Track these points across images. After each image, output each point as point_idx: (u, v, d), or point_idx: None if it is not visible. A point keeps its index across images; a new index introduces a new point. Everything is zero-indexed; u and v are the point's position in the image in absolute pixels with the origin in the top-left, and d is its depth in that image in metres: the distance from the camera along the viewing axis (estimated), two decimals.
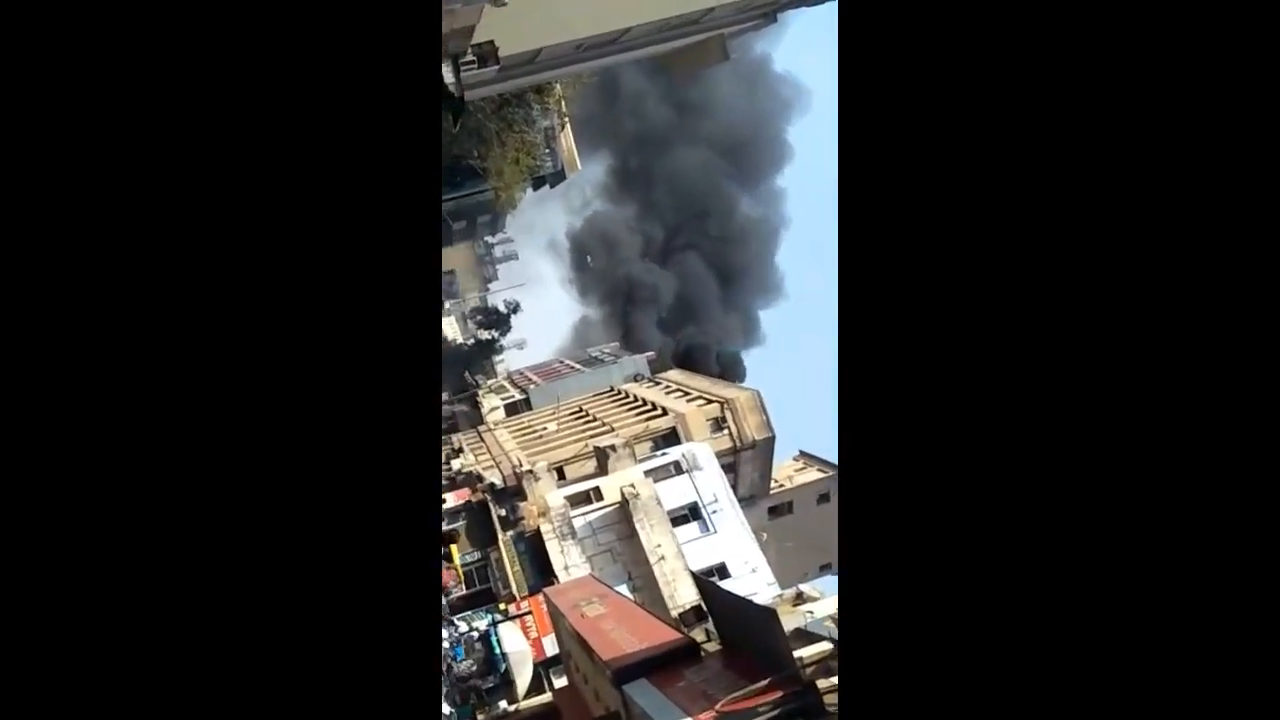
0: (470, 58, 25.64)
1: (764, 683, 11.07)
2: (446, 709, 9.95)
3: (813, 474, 44.10)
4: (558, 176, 57.59)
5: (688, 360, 55.70)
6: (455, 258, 57.81)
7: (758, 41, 46.88)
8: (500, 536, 29.65)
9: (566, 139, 54.02)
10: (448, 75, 24.03)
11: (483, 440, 40.44)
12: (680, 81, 49.35)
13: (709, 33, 34.20)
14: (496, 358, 57.55)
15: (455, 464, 34.28)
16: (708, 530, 32.46)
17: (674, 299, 64.63)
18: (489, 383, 50.81)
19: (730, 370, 61.20)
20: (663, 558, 30.05)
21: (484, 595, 27.66)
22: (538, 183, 54.84)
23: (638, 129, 65.23)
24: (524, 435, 41.51)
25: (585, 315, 67.63)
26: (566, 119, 51.72)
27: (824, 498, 42.88)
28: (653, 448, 37.41)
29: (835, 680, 11.01)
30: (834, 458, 44.43)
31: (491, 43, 25.87)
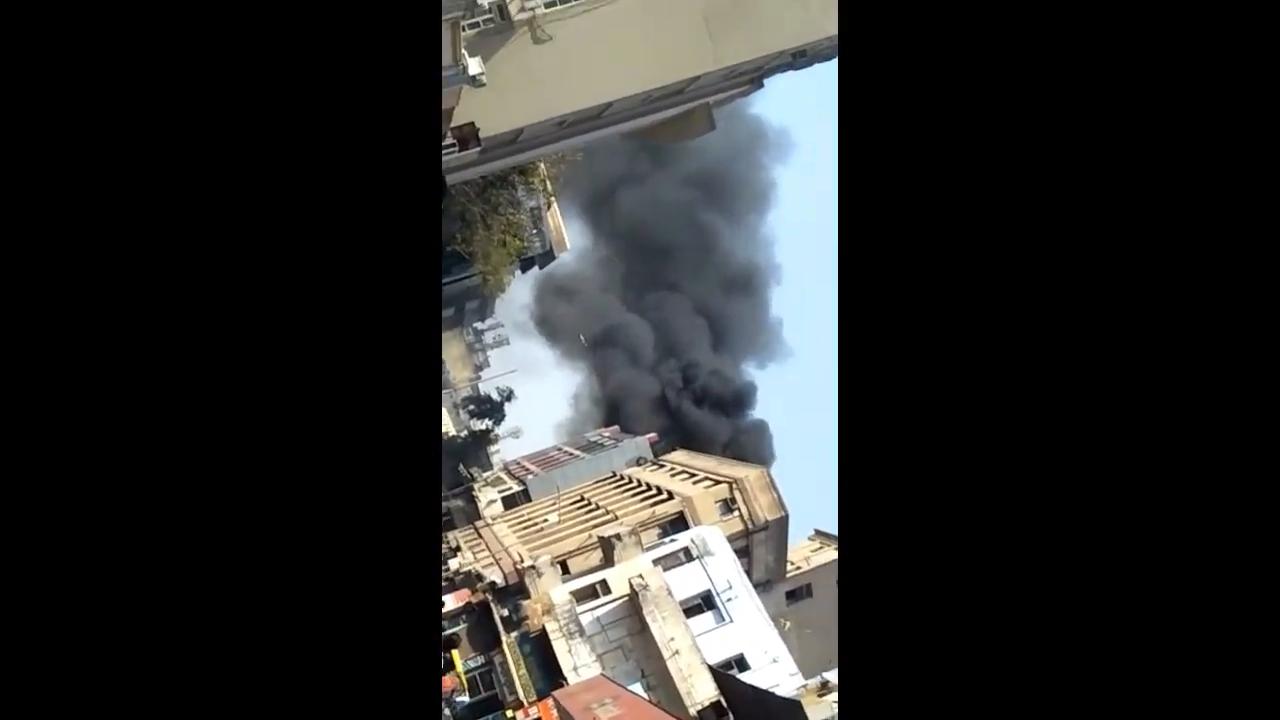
0: (450, 140, 25.95)
1: None
2: None
3: (830, 554, 43.78)
4: (546, 257, 58.10)
5: (698, 399, 55.97)
6: (446, 347, 58.06)
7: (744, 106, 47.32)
8: (504, 638, 29.42)
9: (554, 217, 54.57)
10: None
11: (481, 536, 40.21)
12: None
13: (694, 102, 34.69)
14: (492, 448, 57.52)
15: (453, 564, 34.07)
16: (723, 620, 32.00)
17: (655, 340, 64.26)
18: (485, 475, 50.68)
19: (746, 399, 61.21)
20: (677, 652, 29.68)
21: (490, 703, 27.38)
22: (526, 264, 55.29)
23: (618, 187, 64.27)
24: (524, 529, 41.29)
25: (578, 390, 67.24)
26: (553, 198, 52.30)
27: None
28: (660, 534, 37.23)
29: None
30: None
31: (472, 124, 26.22)
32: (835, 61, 36.90)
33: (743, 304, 69.55)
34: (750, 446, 60.52)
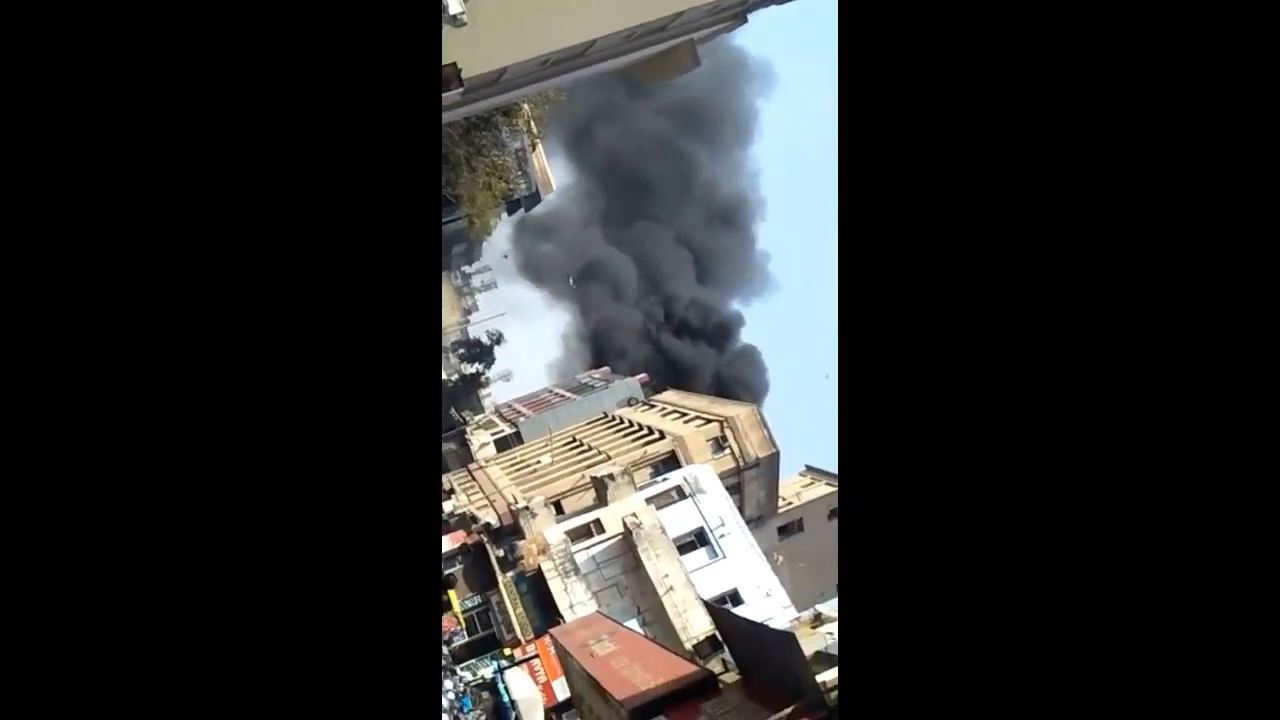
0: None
1: (787, 711, 11.04)
2: None
3: (821, 488, 44.04)
4: (532, 199, 57.58)
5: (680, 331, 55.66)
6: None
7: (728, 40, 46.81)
8: (500, 578, 29.52)
9: (539, 159, 54.11)
10: None
11: (474, 479, 40.30)
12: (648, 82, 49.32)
13: (678, 39, 34.35)
14: (483, 391, 57.47)
15: (448, 506, 34.14)
16: (716, 556, 32.38)
17: (639, 274, 63.92)
18: (476, 418, 50.70)
19: (730, 330, 60.84)
20: (672, 588, 29.92)
21: (487, 641, 27.50)
22: (512, 207, 54.85)
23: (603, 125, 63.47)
24: (517, 471, 41.36)
25: (567, 330, 66.66)
26: (538, 139, 51.82)
27: (834, 513, 42.71)
28: (652, 474, 37.35)
29: None
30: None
31: (454, 64, 25.91)
32: None
33: (728, 238, 69.13)
34: (741, 376, 60.32)
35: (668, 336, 60.88)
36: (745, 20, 35.40)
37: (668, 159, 63.69)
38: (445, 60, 25.33)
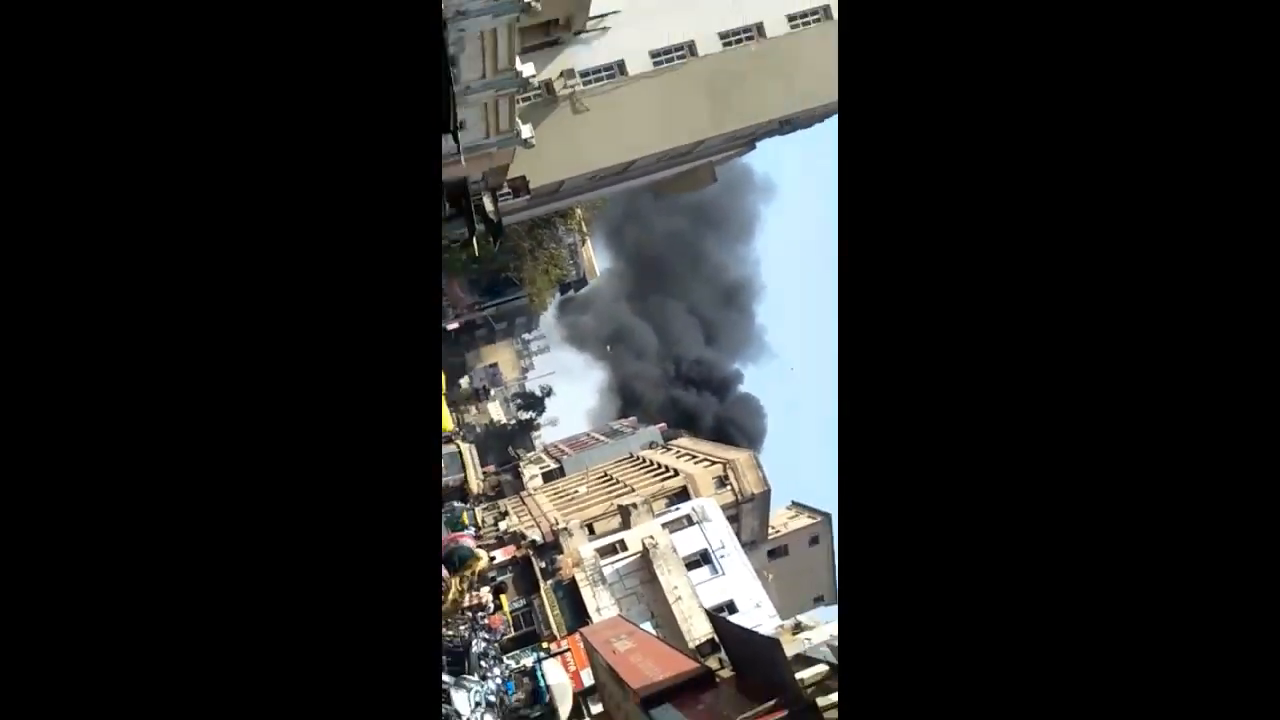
0: (506, 190, 26.11)
1: (770, 703, 10.92)
2: None
3: (804, 520, 43.73)
4: (580, 283, 58.16)
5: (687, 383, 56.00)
6: (499, 353, 58.17)
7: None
8: (542, 585, 29.46)
9: (587, 252, 54.72)
10: (488, 205, 24.47)
11: (524, 504, 40.22)
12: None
13: (699, 161, 34.72)
14: (534, 434, 57.47)
15: (503, 525, 34.10)
16: (717, 573, 32.14)
17: (659, 340, 63.46)
18: (528, 455, 50.63)
19: (729, 383, 60.83)
20: (679, 598, 29.74)
21: (530, 637, 27.38)
22: (564, 289, 55.43)
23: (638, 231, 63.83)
24: (559, 498, 41.26)
25: (603, 384, 66.92)
26: (586, 236, 52.45)
27: (814, 540, 42.58)
28: (667, 504, 37.18)
29: (832, 698, 10.86)
30: (821, 505, 44.22)
31: (523, 177, 26.35)
32: (812, 128, 37.08)
33: (731, 312, 68.79)
34: (739, 420, 60.26)
35: (678, 388, 61.04)
36: (754, 147, 35.88)
37: (683, 249, 64.18)
38: (517, 174, 25.79)
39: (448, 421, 17.16)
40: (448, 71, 17.58)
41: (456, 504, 22.67)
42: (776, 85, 30.74)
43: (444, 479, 14.26)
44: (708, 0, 29.31)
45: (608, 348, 63.17)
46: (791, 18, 30.67)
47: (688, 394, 60.73)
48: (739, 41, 30.17)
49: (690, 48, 29.70)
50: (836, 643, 12.30)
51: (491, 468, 39.98)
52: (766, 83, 30.55)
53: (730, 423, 59.03)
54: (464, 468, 15.75)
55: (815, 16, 30.92)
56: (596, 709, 18.05)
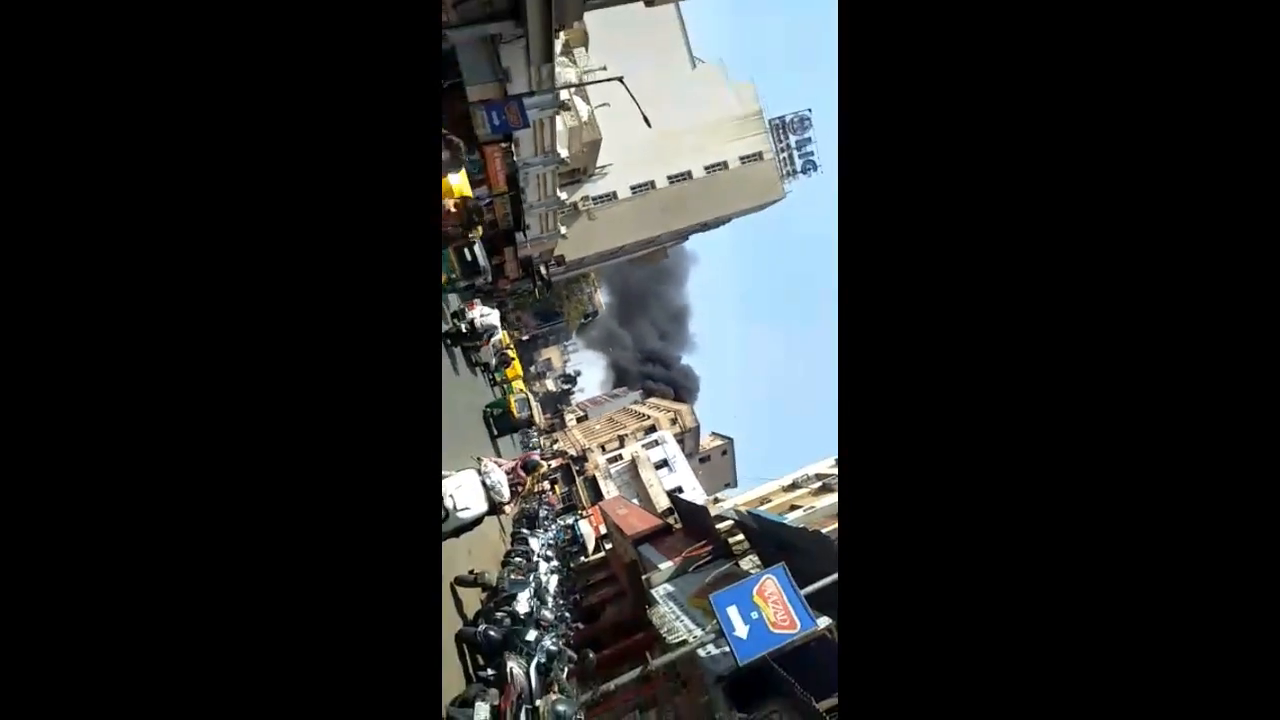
0: (552, 262, 25.78)
1: (702, 543, 10.77)
2: (555, 562, 9.52)
3: (718, 441, 43.57)
4: (594, 315, 57.71)
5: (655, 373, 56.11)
6: (551, 353, 57.56)
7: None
8: (576, 480, 29.20)
9: (598, 296, 54.21)
10: (543, 271, 24.12)
11: (568, 436, 39.99)
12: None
13: (657, 247, 34.44)
14: (571, 397, 57.06)
15: (556, 447, 33.76)
16: (672, 471, 31.98)
17: (633, 339, 62.49)
18: (567, 410, 50.20)
19: (668, 359, 60.29)
20: (651, 484, 29.67)
21: (570, 508, 27.23)
22: (586, 317, 54.94)
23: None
24: (585, 432, 41.04)
25: (605, 370, 66.70)
26: (598, 287, 52.04)
27: (724, 452, 42.44)
28: (644, 435, 37.07)
29: (738, 537, 10.74)
30: (726, 432, 44.08)
31: (561, 255, 26.00)
32: (719, 228, 37.17)
33: (677, 326, 67.61)
34: (685, 383, 60.60)
35: (645, 366, 61.24)
36: (687, 238, 35.72)
37: (648, 292, 63.76)
38: (559, 253, 25.44)
39: (521, 384, 18.27)
40: (519, 193, 17.23)
41: (530, 430, 22.23)
42: (699, 204, 30.74)
43: (521, 414, 15.12)
44: (661, 157, 29.19)
45: (610, 350, 62.84)
46: (707, 167, 30.66)
47: (653, 369, 60.75)
48: (679, 180, 30.07)
49: (652, 184, 29.63)
50: (736, 511, 12.03)
51: (548, 414, 39.53)
52: (693, 203, 30.54)
53: (679, 384, 59.03)
54: (531, 408, 17.27)
55: (719, 166, 30.91)
56: (608, 546, 17.78)
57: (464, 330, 12.49)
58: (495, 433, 14.53)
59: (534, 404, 17.25)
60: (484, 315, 12.74)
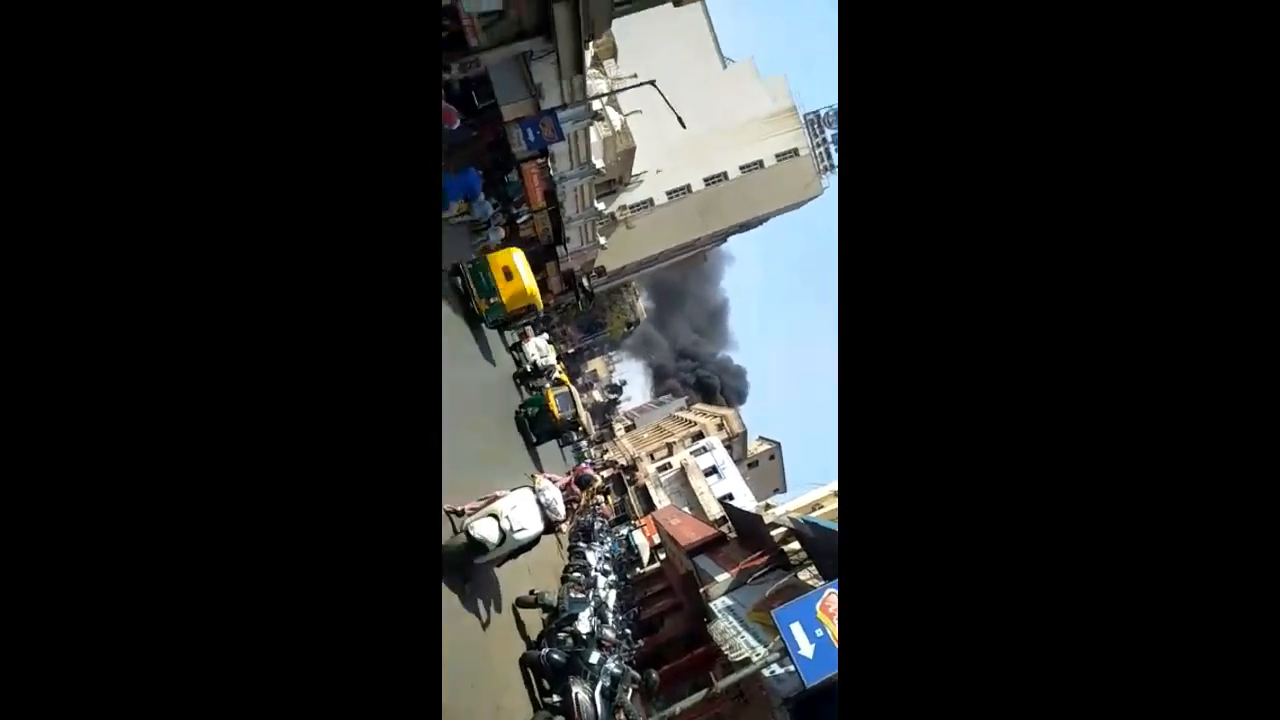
0: (593, 274, 26.01)
1: (758, 554, 10.54)
2: (612, 576, 9.46)
3: (765, 445, 42.78)
4: (636, 323, 57.78)
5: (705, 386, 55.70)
6: (596, 364, 58.12)
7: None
8: (628, 490, 29.21)
9: (639, 305, 54.37)
10: (585, 283, 24.36)
11: (617, 446, 40.11)
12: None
13: (695, 250, 34.27)
14: (618, 407, 57.23)
15: (606, 457, 33.89)
16: (721, 477, 31.53)
17: (668, 341, 62.25)
18: (615, 419, 50.38)
19: (710, 360, 58.95)
20: (702, 493, 29.35)
21: (623, 518, 27.24)
22: (629, 326, 55.08)
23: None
24: (634, 441, 41.05)
25: (647, 377, 66.47)
26: (639, 296, 52.18)
27: (771, 456, 41.67)
28: (692, 441, 36.79)
29: (793, 545, 10.47)
30: (775, 436, 43.32)
31: (602, 266, 26.20)
32: (757, 229, 36.71)
33: (715, 324, 67.36)
34: (732, 384, 59.60)
35: (685, 367, 60.57)
36: (725, 240, 35.40)
37: (683, 292, 63.14)
38: (599, 264, 25.64)
39: (566, 377, 14.16)
40: (558, 208, 17.43)
41: (576, 436, 19.17)
42: (736, 205, 30.41)
43: (562, 412, 11.80)
44: (695, 160, 29.03)
45: (651, 357, 62.76)
46: (742, 167, 30.29)
47: (689, 368, 60.12)
48: (714, 182, 29.82)
49: (688, 188, 29.48)
50: (791, 519, 11.74)
51: (596, 424, 39.80)
52: (730, 204, 30.23)
53: (725, 384, 58.40)
54: (575, 405, 12.05)
55: (755, 165, 30.49)
56: (662, 557, 17.67)
57: (528, 369, 12.89)
58: (534, 439, 11.54)
59: (578, 400, 12.25)
60: (542, 355, 13.10)
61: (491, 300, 9.73)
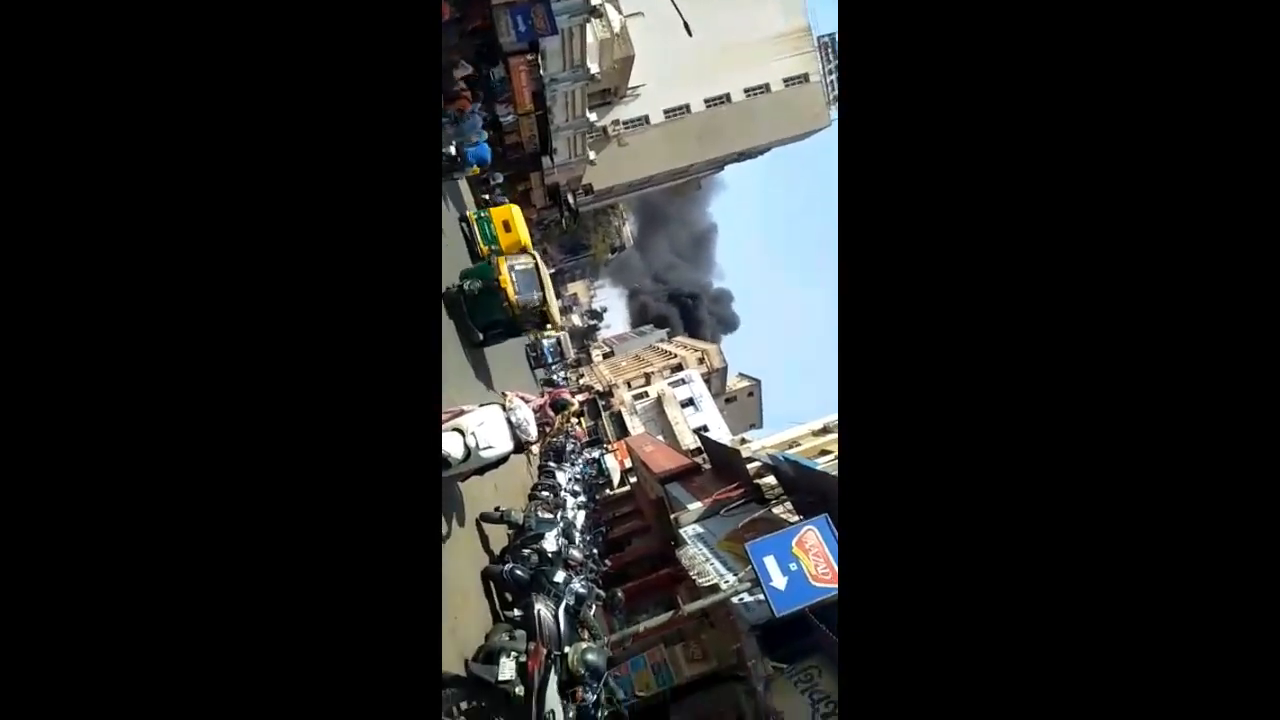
0: (580, 191, 24.85)
1: (733, 485, 10.56)
2: (582, 497, 9.40)
3: (745, 382, 43.31)
4: (622, 249, 56.46)
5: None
6: (578, 287, 57.10)
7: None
8: (602, 415, 29.39)
9: (626, 230, 52.92)
10: (570, 200, 23.27)
11: (594, 372, 40.10)
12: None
13: (690, 177, 33.02)
14: (597, 333, 56.91)
15: (583, 382, 33.90)
16: (698, 410, 31.87)
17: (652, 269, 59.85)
18: (594, 345, 50.19)
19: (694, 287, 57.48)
20: (677, 422, 29.69)
21: (596, 441, 27.50)
22: (614, 251, 53.77)
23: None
24: (612, 369, 41.07)
25: (629, 306, 64.96)
26: (626, 220, 50.68)
27: (750, 393, 42.22)
28: (671, 373, 36.91)
29: (769, 480, 10.51)
30: (755, 373, 43.64)
31: (590, 184, 25.02)
32: (756, 158, 35.23)
33: (698, 250, 64.34)
34: (714, 310, 58.06)
35: (665, 296, 59.13)
36: (723, 169, 34.12)
37: (673, 221, 60.80)
38: (586, 181, 24.45)
39: (529, 245, 11.23)
40: (546, 113, 16.26)
41: (546, 343, 17.50)
42: (737, 131, 29.00)
43: (521, 296, 7.77)
44: (697, 78, 27.28)
45: (636, 286, 61.68)
46: (747, 90, 28.66)
47: (664, 291, 57.61)
48: (716, 104, 28.24)
49: (687, 108, 27.92)
50: (771, 455, 11.73)
51: (574, 353, 39.68)
52: (730, 130, 28.81)
53: (712, 314, 57.49)
54: (542, 287, 8.11)
55: (760, 89, 28.86)
56: (633, 479, 17.94)
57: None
58: (478, 336, 7.73)
59: (546, 281, 8.38)
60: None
61: (492, 247, 10.61)
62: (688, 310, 56.28)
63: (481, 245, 10.54)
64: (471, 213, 11.11)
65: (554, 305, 8.99)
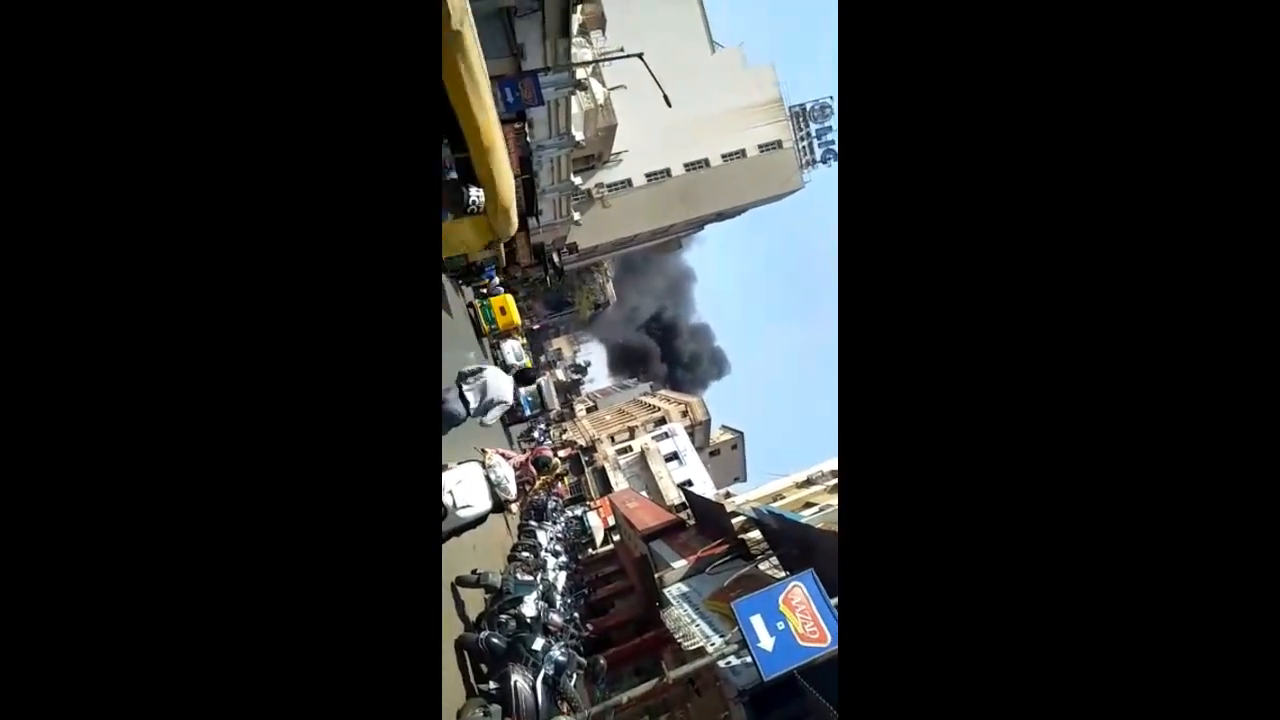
0: (565, 250, 25.31)
1: (718, 541, 10.33)
2: (563, 557, 9.12)
3: (728, 435, 43.04)
4: (605, 305, 57.12)
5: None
6: (561, 342, 57.20)
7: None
8: (585, 470, 28.87)
9: (609, 287, 53.73)
10: (555, 258, 23.66)
11: (577, 426, 39.67)
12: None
13: (672, 236, 33.89)
14: (581, 386, 56.66)
15: (565, 437, 33.46)
16: (682, 464, 31.44)
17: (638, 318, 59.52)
18: (577, 400, 49.83)
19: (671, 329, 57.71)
20: (661, 477, 29.23)
21: (579, 499, 26.95)
22: (598, 307, 54.32)
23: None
24: (595, 423, 40.66)
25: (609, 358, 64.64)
26: (609, 277, 51.47)
27: (734, 446, 41.90)
28: (654, 426, 36.65)
29: (754, 535, 10.29)
30: (738, 426, 43.42)
31: (574, 243, 25.53)
32: (734, 219, 36.51)
33: (675, 296, 63.51)
34: (702, 354, 57.73)
35: (643, 334, 58.96)
36: (702, 229, 35.11)
37: (651, 266, 61.64)
38: (570, 241, 24.94)
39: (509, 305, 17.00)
40: (533, 177, 16.77)
41: (543, 424, 20.99)
42: (716, 193, 30.11)
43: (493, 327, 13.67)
44: (677, 144, 28.51)
45: (621, 339, 61.81)
46: (724, 155, 29.96)
47: (651, 341, 57.35)
48: (695, 168, 29.42)
49: (668, 172, 29.02)
50: (755, 508, 11.54)
51: (557, 407, 39.39)
52: (710, 192, 29.91)
53: (694, 355, 57.18)
54: (514, 324, 16.16)
55: (737, 154, 30.20)
56: (615, 538, 17.43)
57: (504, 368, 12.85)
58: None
59: (520, 338, 12.71)
60: (517, 356, 14.15)
61: (492, 326, 14.74)
62: (665, 341, 55.89)
63: (484, 325, 14.58)
64: (477, 301, 14.91)
65: (553, 399, 15.65)
